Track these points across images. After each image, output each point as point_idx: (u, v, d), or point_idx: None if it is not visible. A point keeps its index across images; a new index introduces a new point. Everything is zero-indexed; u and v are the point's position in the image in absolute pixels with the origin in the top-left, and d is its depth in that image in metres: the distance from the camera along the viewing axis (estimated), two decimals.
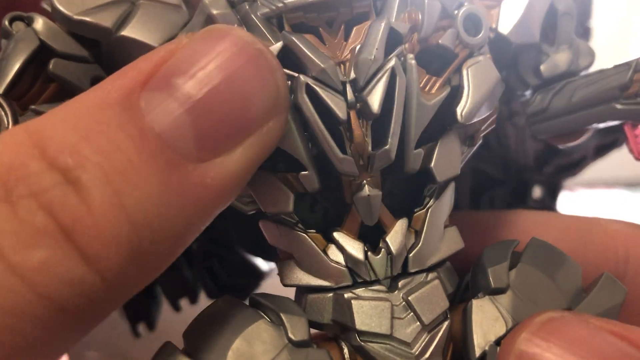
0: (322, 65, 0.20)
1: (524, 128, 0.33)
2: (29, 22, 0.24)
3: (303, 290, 0.23)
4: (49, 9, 0.25)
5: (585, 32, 0.36)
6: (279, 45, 0.20)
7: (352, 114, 0.20)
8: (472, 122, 0.22)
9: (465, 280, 0.24)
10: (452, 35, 0.22)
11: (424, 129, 0.21)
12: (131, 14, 0.24)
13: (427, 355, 0.21)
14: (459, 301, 0.24)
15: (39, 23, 0.24)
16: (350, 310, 0.21)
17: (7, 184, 0.16)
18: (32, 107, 0.23)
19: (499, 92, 0.23)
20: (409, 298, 0.22)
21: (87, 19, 0.23)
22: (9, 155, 0.16)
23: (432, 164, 0.22)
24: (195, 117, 0.17)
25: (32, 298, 0.16)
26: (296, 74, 0.20)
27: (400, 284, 0.22)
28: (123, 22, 0.24)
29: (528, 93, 0.26)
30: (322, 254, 0.22)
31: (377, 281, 0.22)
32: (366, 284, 0.22)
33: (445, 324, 0.22)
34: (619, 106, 0.24)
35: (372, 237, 0.22)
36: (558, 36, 0.26)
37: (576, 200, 0.37)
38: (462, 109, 0.21)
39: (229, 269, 0.35)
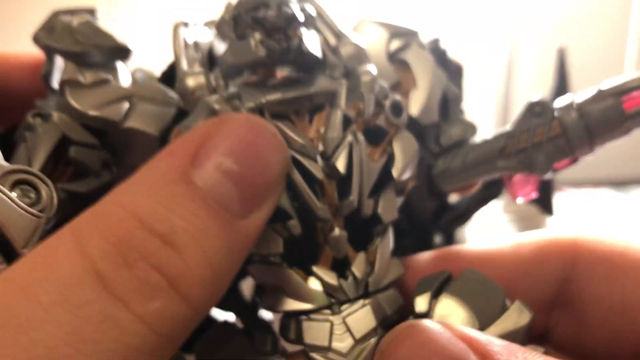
0: (301, 142, 0.27)
1: (421, 190, 0.42)
2: (46, 118, 0.30)
3: (288, 315, 0.29)
4: (43, 105, 0.31)
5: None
6: None
7: (323, 175, 0.28)
8: (402, 179, 0.30)
9: None
10: (384, 118, 0.30)
11: (372, 184, 0.29)
12: (131, 108, 0.30)
13: None
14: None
15: (57, 117, 0.30)
16: (301, 328, 0.29)
17: (122, 252, 0.21)
18: (59, 185, 0.28)
19: (417, 158, 0.31)
20: (345, 320, 0.29)
21: (99, 114, 0.29)
22: (116, 229, 0.22)
23: (380, 210, 0.29)
24: (238, 185, 0.24)
25: (154, 338, 0.21)
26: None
27: (342, 308, 0.29)
28: (126, 115, 0.30)
29: (431, 160, 0.35)
30: (305, 284, 0.28)
31: (329, 307, 0.29)
32: (320, 309, 0.29)
33: (374, 339, 0.29)
34: (500, 163, 0.33)
35: (336, 268, 0.29)
36: (450, 115, 0.35)
37: (564, 200, 0.39)
38: (396, 170, 0.30)
39: None
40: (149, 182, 0.23)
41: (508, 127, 0.34)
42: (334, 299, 0.29)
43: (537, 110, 0.33)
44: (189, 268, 0.22)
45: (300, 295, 0.29)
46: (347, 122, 0.29)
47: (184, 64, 0.30)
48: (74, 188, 0.29)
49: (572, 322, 0.33)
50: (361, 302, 0.29)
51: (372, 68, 0.31)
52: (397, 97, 0.31)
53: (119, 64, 0.32)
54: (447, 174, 0.35)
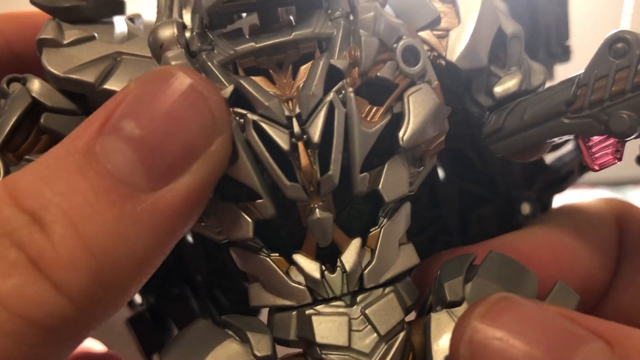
0: (266, 103, 0.22)
1: None
2: (24, 83, 0.27)
3: (271, 310, 0.25)
4: None
5: (563, 53, 0.37)
6: (230, 88, 0.23)
7: (300, 144, 0.22)
8: (416, 144, 0.24)
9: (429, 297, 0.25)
10: (392, 67, 0.23)
11: (370, 154, 0.23)
12: (113, 68, 0.27)
13: None
14: (427, 313, 0.25)
15: (33, 83, 0.27)
16: (310, 326, 0.23)
17: None
18: (27, 157, 0.26)
19: (442, 115, 0.24)
20: (366, 311, 0.24)
21: (73, 76, 0.26)
22: None
23: (380, 186, 0.23)
24: (141, 153, 0.20)
25: (9, 317, 0.19)
26: (246, 112, 0.22)
27: (359, 298, 0.24)
28: (106, 76, 0.26)
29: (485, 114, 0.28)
30: (284, 276, 0.23)
31: (337, 298, 0.24)
32: (327, 300, 0.24)
33: (402, 334, 0.23)
34: (566, 121, 0.25)
35: (331, 256, 0.24)
36: (508, 58, 0.27)
37: (561, 200, 0.37)
38: (403, 133, 0.23)
39: (231, 298, 0.37)
40: (45, 157, 0.21)
41: (580, 72, 0.25)
42: (319, 296, 0.23)
43: (619, 48, 0.24)
44: (55, 248, 0.19)
45: (278, 289, 0.24)
46: (335, 75, 0.23)
47: (161, 12, 0.26)
48: None
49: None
50: (380, 290, 0.24)
51: (398, 4, 0.24)
52: (415, 39, 0.24)
53: (116, 18, 0.29)
54: (501, 135, 0.27)
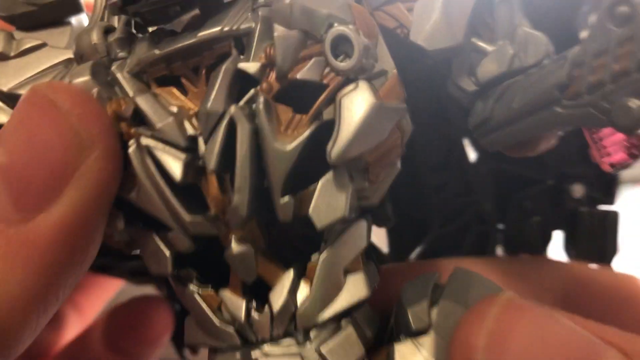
0: (157, 125, 0.19)
1: None
2: None
3: (210, 349, 0.22)
4: None
5: None
6: (130, 107, 0.20)
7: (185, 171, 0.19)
8: (353, 158, 0.19)
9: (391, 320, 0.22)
10: (318, 65, 0.19)
11: (300, 172, 0.19)
12: (64, 77, 0.25)
13: None
14: (388, 341, 0.21)
15: None
16: None
17: None
18: None
19: (388, 117, 0.20)
20: (322, 350, 0.20)
21: (19, 92, 0.25)
22: None
23: (310, 210, 0.19)
24: (7, 181, 0.18)
25: None
26: (143, 134, 0.19)
27: (312, 334, 0.21)
28: None
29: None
30: (211, 315, 0.21)
31: (286, 334, 0.21)
32: (274, 339, 0.21)
33: None
34: (560, 110, 0.19)
35: (262, 291, 0.21)
36: (496, 29, 0.22)
37: None
38: (331, 146, 0.19)
39: None
40: None
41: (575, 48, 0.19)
42: (247, 339, 0.20)
43: (621, 13, 0.18)
44: None
45: (206, 328, 0.21)
46: (248, 82, 0.19)
47: (93, 14, 0.24)
48: None
49: None
50: (336, 323, 0.21)
51: None
52: (344, 27, 0.19)
53: (75, 18, 0.27)
54: (489, 127, 0.22)
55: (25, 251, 0.18)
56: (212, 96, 0.19)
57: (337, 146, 0.19)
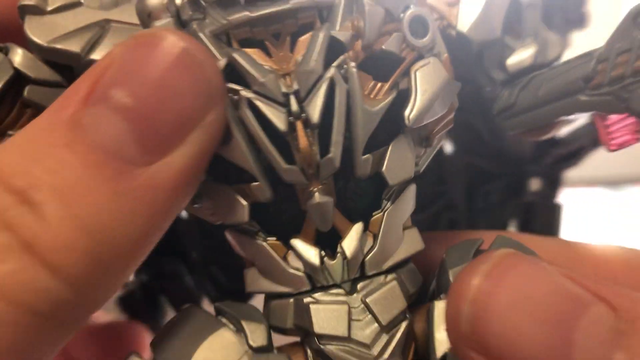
0: (261, 79, 0.20)
1: None
2: (6, 53, 0.25)
3: (267, 297, 0.23)
4: None
5: (580, 19, 0.35)
6: (223, 61, 0.21)
7: (299, 124, 0.21)
8: (423, 124, 0.22)
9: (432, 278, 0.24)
10: (398, 39, 0.22)
11: (374, 134, 0.21)
12: (101, 37, 0.25)
13: (386, 355, 0.22)
14: (429, 300, 0.24)
15: (15, 53, 0.25)
16: (308, 315, 0.22)
17: None
18: (10, 132, 0.25)
19: (451, 92, 0.23)
20: (367, 300, 0.22)
21: (57, 46, 0.25)
22: None
23: (384, 168, 0.22)
24: (133, 124, 0.18)
25: (5, 306, 0.17)
26: (240, 89, 0.21)
27: (359, 286, 0.22)
28: (92, 46, 0.25)
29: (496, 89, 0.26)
30: (281, 262, 0.22)
31: (336, 285, 0.22)
32: (325, 288, 0.22)
33: (404, 324, 0.22)
34: (583, 98, 0.23)
35: (331, 242, 0.22)
36: (523, 29, 0.25)
37: (557, 198, 0.36)
38: (409, 112, 0.21)
39: (229, 274, 0.36)
40: (29, 129, 0.19)
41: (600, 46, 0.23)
42: (318, 283, 0.22)
43: None
44: (49, 229, 0.18)
45: (275, 275, 0.22)
46: (337, 48, 0.21)
47: None
48: None
49: None
50: (382, 277, 0.23)
51: None
52: (422, 8, 0.22)
53: None
54: (514, 112, 0.25)
55: (150, 193, 0.19)
56: (314, 58, 0.20)
57: (414, 112, 0.21)
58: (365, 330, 0.22)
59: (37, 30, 0.25)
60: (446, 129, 0.24)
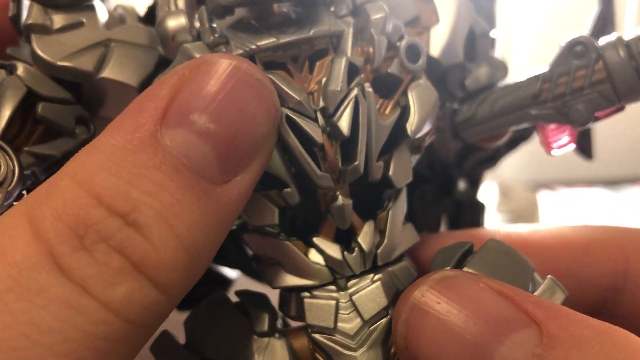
0: (298, 98, 0.23)
1: (445, 130, 0.38)
2: (11, 70, 0.26)
3: (283, 290, 0.26)
4: (15, 55, 0.27)
5: (491, 43, 0.41)
6: None
7: (324, 137, 0.24)
8: (419, 136, 0.26)
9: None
10: (398, 64, 0.26)
11: (382, 144, 0.25)
12: (107, 56, 0.26)
13: (366, 347, 0.25)
14: None
15: (22, 70, 0.26)
16: (302, 307, 0.25)
17: (78, 234, 0.19)
18: (26, 148, 0.25)
19: (437, 108, 0.27)
20: (353, 297, 0.26)
21: (70, 64, 0.26)
22: (71, 207, 0.19)
23: (391, 173, 0.26)
24: (215, 146, 0.20)
25: (122, 325, 0.19)
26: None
27: (349, 284, 0.26)
28: (101, 64, 0.26)
29: (455, 105, 0.31)
30: (305, 258, 0.25)
31: (333, 282, 0.26)
32: (323, 285, 0.26)
33: (385, 319, 0.26)
34: (533, 111, 0.29)
35: (343, 239, 0.26)
36: (477, 54, 0.31)
37: (557, 199, 0.39)
38: (411, 125, 0.25)
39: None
40: (108, 149, 0.20)
41: (544, 69, 0.29)
42: (338, 275, 0.25)
43: (578, 50, 0.28)
44: (156, 250, 0.19)
45: (300, 270, 0.25)
46: (353, 71, 0.25)
47: (164, 2, 0.26)
48: (43, 151, 0.25)
49: None
50: (370, 276, 0.26)
51: (384, 2, 0.26)
52: (414, 37, 0.26)
53: (96, 2, 0.28)
54: (472, 123, 0.30)
55: (227, 209, 0.21)
56: (340, 79, 0.24)
57: (414, 124, 0.26)
58: (349, 324, 0.25)
59: (47, 49, 0.26)
60: (431, 139, 0.28)
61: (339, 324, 0.25)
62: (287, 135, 0.23)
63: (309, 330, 0.25)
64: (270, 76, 0.23)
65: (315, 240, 0.25)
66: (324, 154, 0.24)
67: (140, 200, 0.19)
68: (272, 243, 0.25)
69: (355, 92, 0.24)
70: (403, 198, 0.27)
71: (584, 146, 0.37)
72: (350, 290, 0.26)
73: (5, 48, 0.28)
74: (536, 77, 0.29)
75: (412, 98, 0.26)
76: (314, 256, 0.25)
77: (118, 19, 0.29)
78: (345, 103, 0.24)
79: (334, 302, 0.25)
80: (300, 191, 0.24)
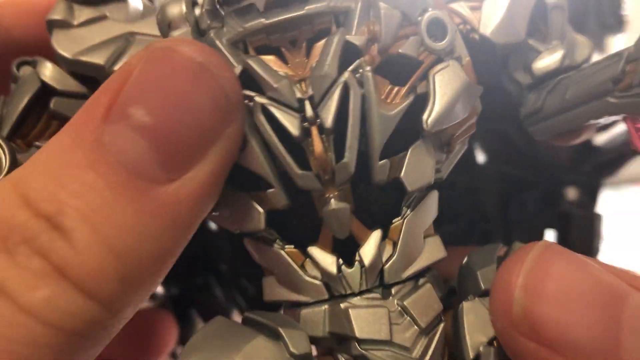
0: (274, 85, 0.20)
1: None
2: (34, 66, 0.26)
3: (290, 306, 0.23)
4: None
5: (617, 23, 0.34)
6: (238, 68, 0.21)
7: (314, 129, 0.20)
8: (443, 128, 0.21)
9: (447, 288, 0.24)
10: (415, 43, 0.21)
11: (392, 139, 0.21)
12: (125, 49, 0.25)
13: (427, 358, 0.21)
14: (445, 307, 0.23)
15: (44, 66, 0.26)
16: (348, 319, 0.21)
17: (2, 235, 0.18)
18: (36, 143, 0.25)
19: (472, 96, 0.22)
20: (404, 303, 0.22)
21: (82, 58, 0.25)
22: (1, 208, 0.18)
23: (402, 174, 0.21)
24: (154, 142, 0.18)
25: (44, 330, 0.18)
26: (254, 95, 0.21)
27: (393, 290, 0.22)
28: (117, 58, 0.25)
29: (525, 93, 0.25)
30: (298, 270, 0.22)
31: (369, 290, 0.22)
32: (360, 293, 0.22)
33: (441, 326, 0.22)
34: (613, 100, 0.23)
35: (349, 250, 0.22)
36: (549, 31, 0.25)
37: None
38: (428, 116, 0.21)
39: (258, 286, 0.35)
40: (51, 149, 0.19)
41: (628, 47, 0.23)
42: (336, 292, 0.22)
43: None
44: (79, 255, 0.18)
45: (293, 283, 0.22)
46: (352, 53, 0.21)
47: None
48: None
49: None
50: (413, 281, 0.22)
51: None
52: (440, 11, 0.22)
53: None
54: (541, 116, 0.25)
55: (173, 210, 0.19)
56: (328, 62, 0.20)
57: (433, 116, 0.21)
58: (405, 334, 0.21)
59: (64, 43, 0.26)
60: (468, 134, 0.23)
61: (394, 335, 0.21)
62: (261, 127, 0.20)
63: (344, 350, 0.22)
64: (249, 61, 0.21)
65: (311, 250, 0.22)
66: (312, 150, 0.21)
67: (67, 202, 0.18)
68: (266, 251, 0.22)
69: (345, 76, 0.20)
70: (429, 205, 0.23)
71: None
72: (398, 296, 0.22)
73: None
74: (618, 56, 0.23)
75: (433, 84, 0.21)
76: (311, 268, 0.22)
77: (154, 10, 0.28)
78: (332, 90, 0.20)
79: (385, 309, 0.21)
80: (291, 192, 0.21)
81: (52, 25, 0.26)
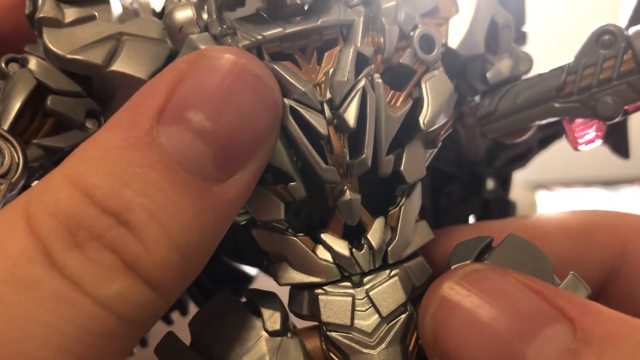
0: (302, 89, 0.23)
1: (474, 127, 0.36)
2: (23, 63, 0.26)
3: (293, 287, 0.26)
4: (32, 52, 0.27)
5: (521, 37, 0.40)
6: None
7: (331, 129, 0.23)
8: (434, 128, 0.25)
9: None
10: (410, 54, 0.25)
11: (392, 137, 0.24)
12: (118, 49, 0.26)
13: (384, 344, 0.24)
14: None
15: (33, 63, 0.26)
16: (317, 305, 0.25)
17: (71, 231, 0.19)
18: (35, 141, 0.25)
19: (453, 101, 0.26)
20: (370, 293, 0.25)
21: (79, 57, 0.26)
22: (64, 204, 0.19)
23: (402, 168, 0.25)
24: (211, 145, 0.20)
25: (115, 322, 0.19)
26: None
27: (365, 280, 0.25)
28: (112, 57, 0.26)
29: (477, 98, 0.30)
30: (312, 254, 0.24)
31: (347, 277, 0.25)
32: (337, 281, 0.25)
33: (403, 315, 0.25)
34: (557, 105, 0.27)
35: (353, 235, 0.25)
36: (500, 46, 0.29)
37: (555, 199, 0.39)
38: (423, 118, 0.24)
39: (214, 278, 0.37)
40: (103, 147, 0.20)
41: (569, 60, 0.28)
42: (347, 272, 0.25)
43: (605, 40, 0.27)
44: (148, 250, 0.19)
45: (307, 266, 0.25)
46: (362, 62, 0.24)
47: None
48: (51, 143, 0.25)
49: None
50: (387, 272, 0.25)
51: None
52: (429, 27, 0.25)
53: None
54: (494, 118, 0.29)
55: (224, 208, 0.20)
56: (347, 69, 0.23)
57: (428, 117, 0.25)
58: (367, 321, 0.24)
59: (57, 42, 0.26)
60: (448, 133, 0.27)
61: (356, 321, 0.24)
62: (291, 127, 0.23)
63: (324, 328, 0.25)
64: (275, 66, 0.23)
65: (323, 236, 0.24)
66: (330, 147, 0.23)
67: (132, 200, 0.19)
68: (279, 239, 0.25)
69: (362, 82, 0.23)
70: (417, 194, 0.26)
71: (619, 143, 0.35)
72: (367, 286, 0.25)
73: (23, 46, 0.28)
74: (561, 69, 0.27)
75: (425, 90, 0.25)
76: (322, 253, 0.25)
77: (132, 12, 0.29)
78: (352, 94, 0.23)
79: (350, 298, 0.24)
80: (306, 185, 0.24)
81: (42, 23, 0.26)
